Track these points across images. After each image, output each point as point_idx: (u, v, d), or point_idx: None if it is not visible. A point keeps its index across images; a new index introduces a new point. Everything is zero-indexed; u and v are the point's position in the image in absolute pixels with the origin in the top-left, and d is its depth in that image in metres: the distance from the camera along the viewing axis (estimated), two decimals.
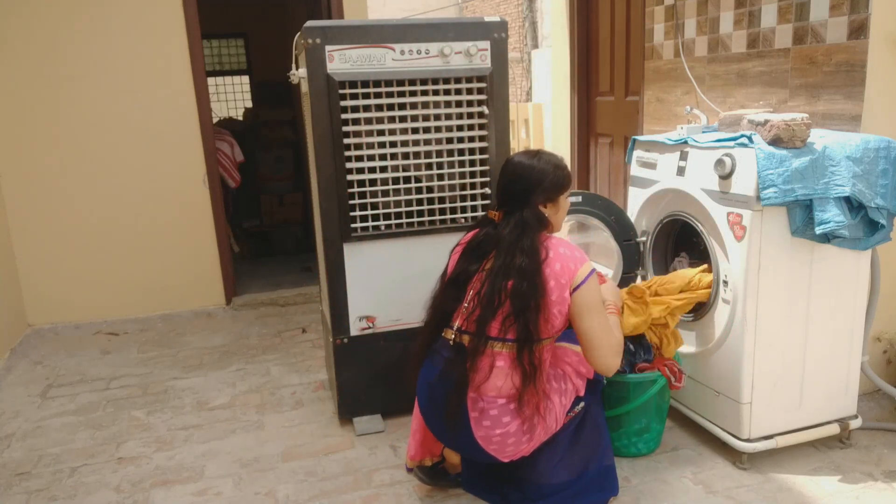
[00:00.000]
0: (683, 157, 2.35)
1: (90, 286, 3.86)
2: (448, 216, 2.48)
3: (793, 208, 2.05)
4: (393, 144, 2.38)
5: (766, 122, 2.07)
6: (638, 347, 2.29)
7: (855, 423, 2.29)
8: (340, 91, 2.28)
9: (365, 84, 2.30)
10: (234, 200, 5.01)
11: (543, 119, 6.59)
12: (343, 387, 2.54)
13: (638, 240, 2.61)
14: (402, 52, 2.32)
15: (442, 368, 1.88)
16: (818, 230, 2.02)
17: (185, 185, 3.88)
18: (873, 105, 2.28)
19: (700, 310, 2.32)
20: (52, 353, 3.49)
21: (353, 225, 2.39)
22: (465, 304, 1.88)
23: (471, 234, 2.00)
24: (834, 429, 2.27)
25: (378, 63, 2.30)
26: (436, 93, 2.37)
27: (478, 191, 2.49)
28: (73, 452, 2.50)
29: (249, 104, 7.49)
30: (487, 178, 2.47)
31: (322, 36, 2.25)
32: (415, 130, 2.39)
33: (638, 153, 2.63)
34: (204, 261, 4.00)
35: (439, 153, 2.44)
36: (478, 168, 2.46)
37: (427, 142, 2.41)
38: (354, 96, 2.30)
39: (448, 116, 2.40)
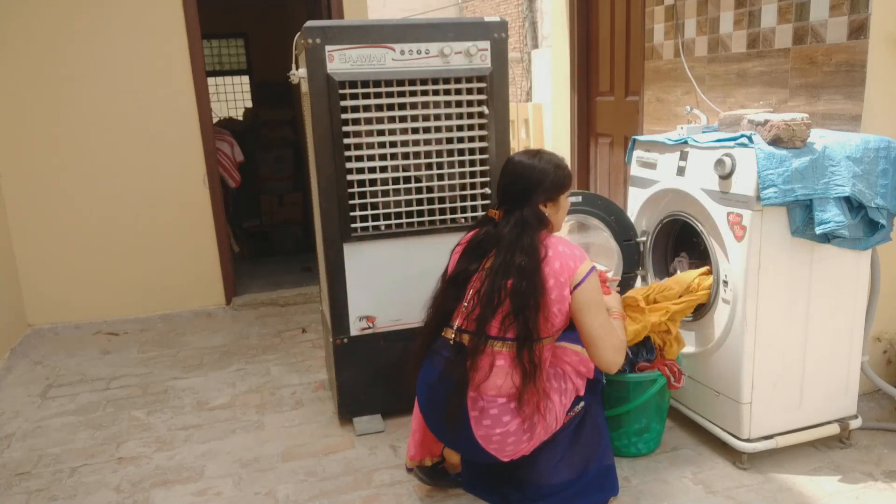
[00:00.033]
0: (683, 157, 2.35)
1: (90, 286, 3.86)
2: (448, 216, 2.48)
3: (793, 208, 2.05)
4: (393, 144, 2.38)
5: (766, 122, 2.07)
6: (640, 347, 2.29)
7: (855, 423, 2.29)
8: (340, 91, 2.28)
9: (365, 84, 2.30)
10: (234, 200, 5.01)
11: (543, 119, 6.59)
12: (343, 387, 2.54)
13: (638, 240, 2.61)
14: (402, 52, 2.32)
15: (442, 369, 1.88)
16: (818, 230, 2.02)
17: (185, 185, 3.88)
18: (873, 105, 2.28)
19: (700, 310, 2.32)
20: (52, 353, 3.49)
21: (353, 225, 2.39)
22: (465, 304, 1.88)
23: (471, 233, 2.00)
24: (834, 429, 2.27)
25: (378, 63, 2.30)
26: (436, 93, 2.37)
27: (478, 191, 2.49)
28: (73, 452, 2.51)
29: (249, 104, 7.49)
30: (487, 178, 2.47)
31: (322, 36, 2.25)
32: (415, 130, 2.39)
33: (638, 153, 2.63)
34: (204, 261, 4.00)
35: (439, 153, 2.43)
36: (478, 168, 2.46)
37: (427, 142, 2.41)
38: (354, 96, 2.30)
39: (448, 116, 2.40)
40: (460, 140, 2.43)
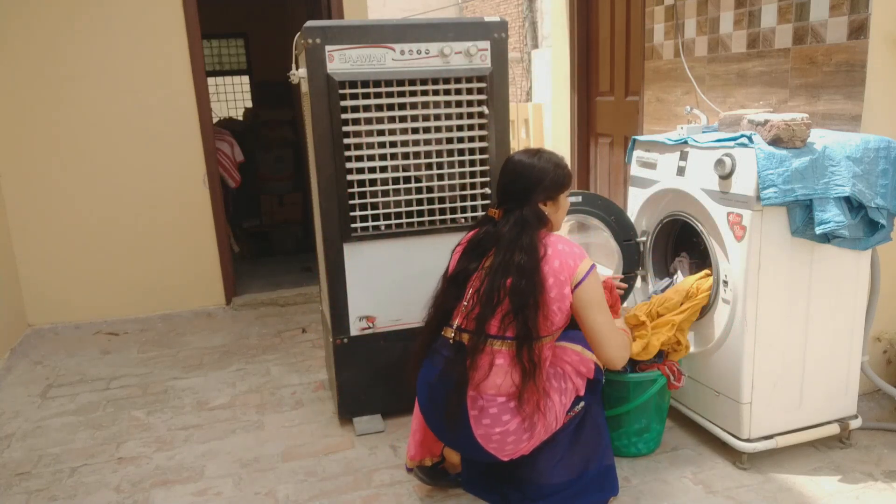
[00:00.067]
0: (683, 157, 2.35)
1: (90, 286, 3.86)
2: (448, 216, 2.48)
3: (793, 208, 2.05)
4: (393, 144, 2.38)
5: (766, 122, 2.07)
6: None
7: (855, 423, 2.29)
8: (340, 91, 2.28)
9: (365, 84, 2.30)
10: (234, 200, 5.01)
11: (543, 119, 6.59)
12: (343, 387, 2.54)
13: (638, 240, 2.61)
14: (402, 52, 2.32)
15: (442, 368, 1.89)
16: (818, 230, 2.02)
17: (185, 185, 3.88)
18: (873, 105, 2.28)
19: (700, 310, 2.32)
20: (52, 353, 3.49)
21: (353, 225, 2.39)
22: (465, 303, 1.88)
23: (472, 233, 2.00)
24: (834, 429, 2.27)
25: (378, 63, 2.30)
26: (436, 93, 2.37)
27: (478, 191, 2.49)
28: (73, 452, 2.50)
29: (249, 104, 7.49)
30: (487, 178, 2.47)
31: (322, 36, 2.25)
32: (415, 130, 2.39)
33: (638, 153, 2.63)
34: (204, 261, 4.00)
35: (439, 153, 2.43)
36: (478, 168, 2.46)
37: (427, 142, 2.41)
38: (354, 96, 2.30)
39: (448, 116, 2.40)
40: (460, 140, 2.43)
